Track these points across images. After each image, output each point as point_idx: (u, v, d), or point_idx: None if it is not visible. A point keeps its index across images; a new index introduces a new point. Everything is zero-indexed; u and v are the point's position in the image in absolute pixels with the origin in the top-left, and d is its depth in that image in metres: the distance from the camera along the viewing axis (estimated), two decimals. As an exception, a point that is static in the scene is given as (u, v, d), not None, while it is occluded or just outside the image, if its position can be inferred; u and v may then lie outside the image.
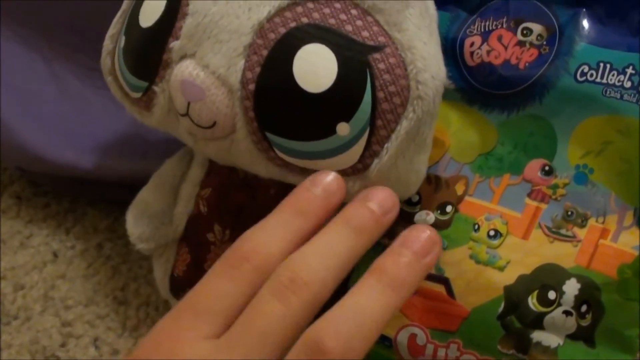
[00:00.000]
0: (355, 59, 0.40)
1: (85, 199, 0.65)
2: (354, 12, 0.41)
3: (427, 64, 0.42)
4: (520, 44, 0.48)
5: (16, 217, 0.64)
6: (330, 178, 0.39)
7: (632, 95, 0.44)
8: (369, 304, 0.35)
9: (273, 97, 0.41)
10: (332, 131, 0.41)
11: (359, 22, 0.41)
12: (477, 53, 0.48)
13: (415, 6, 0.43)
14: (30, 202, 0.65)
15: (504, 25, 0.48)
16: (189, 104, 0.42)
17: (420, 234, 0.38)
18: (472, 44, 0.49)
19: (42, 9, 0.63)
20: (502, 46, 0.48)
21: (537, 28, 0.48)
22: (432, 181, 0.49)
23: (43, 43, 0.63)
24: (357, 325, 0.34)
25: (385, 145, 0.42)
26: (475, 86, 0.49)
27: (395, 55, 0.41)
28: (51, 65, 0.63)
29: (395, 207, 0.39)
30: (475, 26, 0.49)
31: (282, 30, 0.40)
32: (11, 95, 0.61)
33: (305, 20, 0.41)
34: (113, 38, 0.48)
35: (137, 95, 0.45)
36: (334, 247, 0.37)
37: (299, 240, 0.37)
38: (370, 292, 0.36)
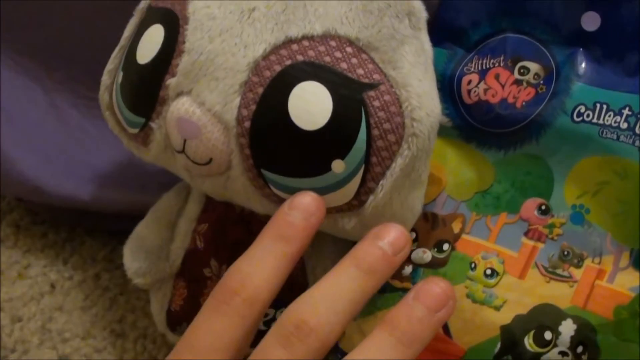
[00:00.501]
0: (350, 97, 0.40)
1: (84, 228, 0.64)
2: (349, 49, 0.41)
3: (422, 101, 0.41)
4: (517, 82, 0.48)
5: (14, 246, 0.64)
6: (308, 200, 0.39)
7: (629, 136, 0.44)
8: None
9: (268, 135, 0.41)
10: (328, 168, 0.41)
11: (354, 60, 0.41)
12: (475, 91, 0.48)
13: (410, 43, 0.43)
14: (29, 231, 0.65)
15: (501, 64, 0.48)
16: (185, 141, 0.42)
17: (434, 287, 0.38)
18: (469, 82, 0.49)
19: (42, 40, 0.63)
20: (500, 85, 0.48)
21: (534, 67, 0.48)
22: (429, 219, 0.48)
23: (43, 73, 0.63)
24: None
25: (381, 182, 0.42)
26: (473, 124, 0.49)
27: (390, 93, 0.41)
28: (51, 96, 0.63)
29: (407, 246, 0.39)
30: (473, 64, 0.49)
31: (278, 68, 0.40)
32: (11, 125, 0.61)
33: (300, 57, 0.41)
34: (111, 73, 0.48)
35: (135, 130, 0.45)
36: (343, 289, 0.36)
37: (284, 266, 0.37)
38: (383, 347, 0.35)
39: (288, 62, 0.40)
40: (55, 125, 0.62)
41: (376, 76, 0.41)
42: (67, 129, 0.62)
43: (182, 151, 0.43)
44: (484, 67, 0.49)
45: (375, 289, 0.37)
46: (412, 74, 0.42)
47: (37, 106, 0.63)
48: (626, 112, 0.44)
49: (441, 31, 0.50)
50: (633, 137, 0.44)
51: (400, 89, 0.41)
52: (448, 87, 0.50)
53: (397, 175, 0.41)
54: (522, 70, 0.48)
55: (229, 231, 0.48)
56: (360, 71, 0.41)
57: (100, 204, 0.60)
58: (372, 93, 0.41)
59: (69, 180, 0.60)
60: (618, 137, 0.44)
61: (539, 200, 0.46)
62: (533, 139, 0.47)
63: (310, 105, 0.40)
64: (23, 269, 0.62)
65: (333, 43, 0.41)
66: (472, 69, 0.49)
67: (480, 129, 0.48)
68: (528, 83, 0.47)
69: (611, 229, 0.45)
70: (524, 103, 0.47)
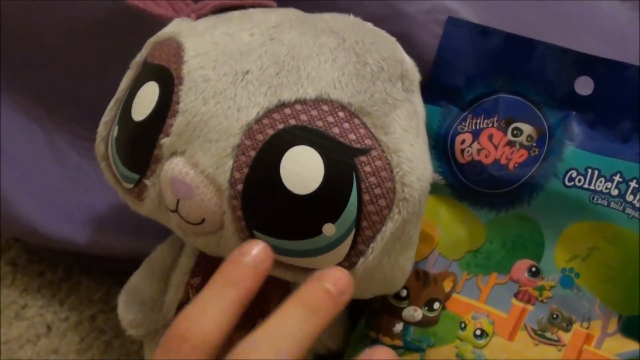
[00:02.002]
0: (341, 162, 0.40)
1: (80, 268, 0.64)
2: (341, 114, 0.41)
3: (413, 166, 0.41)
4: (511, 144, 0.47)
5: (11, 285, 0.64)
6: (258, 247, 0.39)
7: (619, 203, 0.44)
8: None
9: (260, 198, 0.41)
10: (318, 231, 0.40)
11: (346, 125, 0.41)
12: (468, 151, 0.48)
13: (402, 107, 0.43)
14: (26, 270, 0.65)
15: (495, 125, 0.48)
16: (178, 201, 0.42)
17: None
18: (463, 141, 0.49)
19: (43, 80, 0.63)
20: (493, 145, 0.48)
21: (527, 129, 0.47)
22: (421, 277, 0.48)
23: (43, 113, 0.63)
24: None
25: (371, 245, 0.41)
26: (466, 183, 0.49)
27: (382, 158, 0.41)
28: (50, 136, 0.63)
29: (349, 287, 0.38)
30: (467, 123, 0.49)
31: (270, 132, 0.40)
32: (10, 165, 0.61)
33: (293, 122, 0.40)
34: (107, 125, 0.48)
35: (129, 185, 0.45)
36: (288, 329, 0.36)
37: (233, 310, 0.37)
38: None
39: (280, 126, 0.40)
40: (54, 166, 0.62)
41: (368, 141, 0.41)
42: (66, 170, 0.62)
43: (176, 210, 0.42)
44: (477, 127, 0.48)
45: (321, 328, 0.37)
46: (404, 138, 0.42)
47: (36, 146, 0.63)
48: (617, 178, 0.44)
49: (435, 89, 0.49)
50: (623, 204, 0.44)
51: (392, 154, 0.41)
52: (442, 145, 0.49)
53: (387, 238, 0.41)
54: (515, 132, 0.48)
55: (221, 286, 0.48)
56: (352, 136, 0.41)
57: (96, 248, 0.59)
58: (363, 158, 0.40)
59: (65, 223, 0.60)
60: (609, 204, 0.44)
61: (530, 262, 0.46)
62: (525, 201, 0.46)
63: (303, 170, 0.40)
64: (20, 309, 0.62)
65: (325, 107, 0.41)
66: (466, 128, 0.49)
67: (473, 189, 0.48)
68: (521, 145, 0.47)
69: (600, 294, 0.45)
70: (516, 165, 0.47)
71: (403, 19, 0.51)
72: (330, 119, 0.41)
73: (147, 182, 0.44)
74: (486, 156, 0.48)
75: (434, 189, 0.45)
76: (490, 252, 0.47)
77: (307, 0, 0.51)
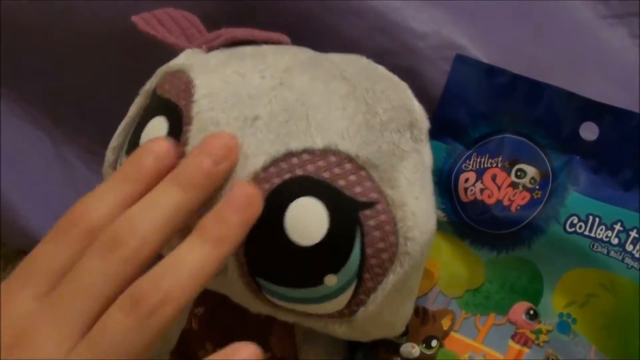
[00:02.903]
0: (346, 215, 0.40)
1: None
2: (348, 166, 0.40)
3: (417, 220, 0.41)
4: (514, 185, 0.47)
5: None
6: (160, 145, 0.39)
7: (619, 252, 0.44)
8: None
9: (264, 246, 0.41)
10: (320, 282, 0.41)
11: (352, 177, 0.40)
12: (471, 190, 0.48)
13: (410, 158, 0.42)
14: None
15: (499, 165, 0.48)
16: (184, 242, 0.42)
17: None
18: (466, 180, 0.49)
19: (51, 91, 0.63)
20: (496, 186, 0.48)
21: (531, 171, 0.47)
22: (420, 314, 0.48)
23: (51, 125, 0.63)
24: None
25: (372, 295, 0.42)
26: (468, 222, 0.49)
27: (386, 212, 0.41)
28: (58, 147, 0.63)
29: (231, 155, 0.39)
30: (471, 161, 0.49)
31: (277, 181, 0.40)
32: (17, 176, 0.61)
33: (299, 172, 0.40)
34: (114, 151, 0.48)
35: (137, 217, 0.45)
36: (158, 203, 0.37)
37: (128, 203, 0.37)
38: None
39: (287, 176, 0.40)
40: (63, 179, 0.62)
41: (373, 195, 0.41)
42: (74, 183, 0.62)
43: (181, 251, 0.42)
44: (481, 166, 0.48)
45: (195, 202, 0.38)
46: (409, 191, 0.42)
47: (44, 157, 0.63)
48: (618, 227, 0.44)
49: (441, 125, 0.49)
50: (623, 253, 0.44)
51: (397, 209, 0.41)
52: (445, 182, 0.49)
53: (389, 289, 0.41)
54: (518, 173, 0.47)
55: (224, 317, 0.48)
56: (358, 189, 0.40)
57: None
58: (368, 212, 0.40)
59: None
60: (608, 252, 0.44)
61: (528, 304, 0.47)
62: (525, 244, 0.47)
63: (307, 221, 0.40)
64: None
65: (333, 158, 0.40)
66: (470, 167, 0.49)
67: (475, 228, 0.48)
68: (524, 187, 0.47)
69: (596, 341, 0.45)
70: (518, 207, 0.47)
71: (412, 54, 0.51)
72: (337, 170, 0.40)
73: (154, 218, 0.44)
74: (489, 196, 0.48)
75: (436, 225, 0.45)
76: (489, 292, 0.48)
77: (317, 33, 0.51)
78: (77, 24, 0.59)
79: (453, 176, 0.49)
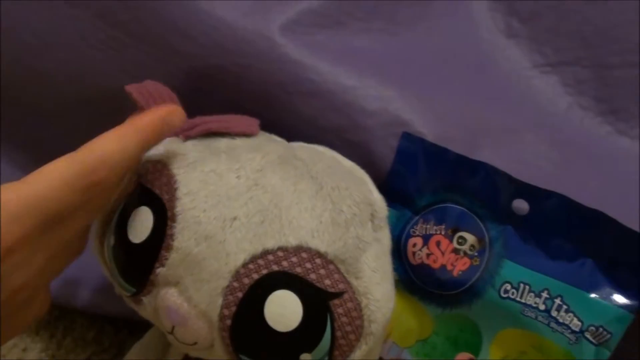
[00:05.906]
0: (318, 305, 0.44)
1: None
2: (318, 261, 0.44)
3: (380, 305, 0.45)
4: (456, 251, 0.51)
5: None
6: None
7: (545, 317, 0.48)
8: None
9: (246, 332, 0.44)
10: (297, 359, 0.44)
11: (322, 271, 0.44)
12: (419, 254, 0.52)
13: (371, 249, 0.46)
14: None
15: (442, 232, 0.52)
16: (173, 325, 0.45)
17: None
18: (414, 245, 0.53)
19: (40, 138, 0.64)
20: (440, 252, 0.52)
21: (470, 239, 0.51)
22: (376, 363, 0.53)
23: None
24: None
25: None
26: (416, 282, 0.53)
27: (353, 300, 0.44)
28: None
29: None
30: (418, 227, 0.53)
31: (255, 277, 0.44)
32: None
33: (275, 267, 0.44)
34: (102, 223, 0.50)
35: (127, 294, 0.48)
36: None
37: None
38: None
39: (264, 272, 0.44)
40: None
41: (341, 285, 0.44)
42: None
43: (171, 333, 0.46)
44: (427, 232, 0.52)
45: None
46: (372, 279, 0.45)
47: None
48: (544, 295, 0.49)
49: (390, 194, 0.52)
50: (548, 318, 0.48)
51: (361, 296, 0.45)
52: (396, 245, 0.53)
53: (354, 361, 0.46)
54: (460, 240, 0.51)
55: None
56: (328, 281, 0.44)
57: (92, 310, 0.62)
58: (336, 301, 0.44)
59: (63, 284, 0.62)
60: (536, 317, 0.49)
61: (469, 355, 0.51)
62: (465, 304, 0.51)
63: (284, 311, 0.44)
64: (22, 352, 0.64)
65: (304, 255, 0.44)
66: (417, 232, 0.53)
67: (423, 287, 0.52)
68: (465, 253, 0.51)
69: (528, 393, 0.50)
70: (460, 272, 0.51)
71: (362, 131, 0.54)
72: (309, 265, 0.44)
73: (144, 299, 0.47)
74: (434, 261, 0.52)
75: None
76: (435, 343, 0.52)
77: (278, 113, 0.53)
78: (60, 92, 0.60)
79: (402, 240, 0.53)
